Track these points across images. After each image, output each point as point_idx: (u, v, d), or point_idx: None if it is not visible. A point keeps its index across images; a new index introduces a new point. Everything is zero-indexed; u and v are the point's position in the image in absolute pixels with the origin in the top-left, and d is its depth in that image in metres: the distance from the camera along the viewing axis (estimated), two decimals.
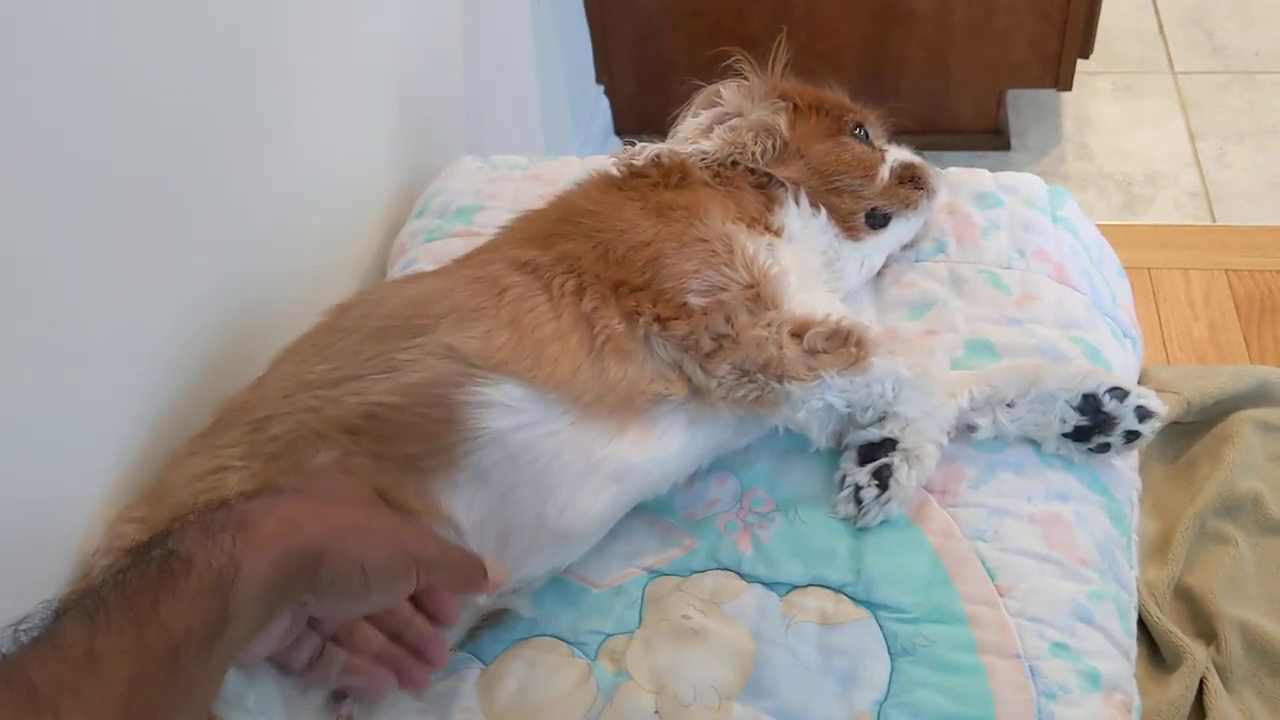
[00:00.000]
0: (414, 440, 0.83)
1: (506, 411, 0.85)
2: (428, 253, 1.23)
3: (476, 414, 0.84)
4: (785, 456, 0.99)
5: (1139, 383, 1.15)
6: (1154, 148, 2.33)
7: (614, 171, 1.09)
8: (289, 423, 0.83)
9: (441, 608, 0.81)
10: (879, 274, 1.16)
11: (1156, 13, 2.64)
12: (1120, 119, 2.41)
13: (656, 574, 0.93)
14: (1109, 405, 0.95)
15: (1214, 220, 2.16)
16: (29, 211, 0.78)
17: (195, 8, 0.96)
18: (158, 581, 0.60)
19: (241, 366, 0.96)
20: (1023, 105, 2.43)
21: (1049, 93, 2.39)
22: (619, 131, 2.41)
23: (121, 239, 0.88)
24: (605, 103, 2.38)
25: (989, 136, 2.35)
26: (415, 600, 0.80)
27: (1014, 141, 2.36)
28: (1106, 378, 0.96)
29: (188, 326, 0.98)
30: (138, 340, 0.92)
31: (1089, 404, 0.95)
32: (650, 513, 0.97)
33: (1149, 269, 2.04)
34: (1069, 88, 2.24)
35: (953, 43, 2.22)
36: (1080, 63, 2.24)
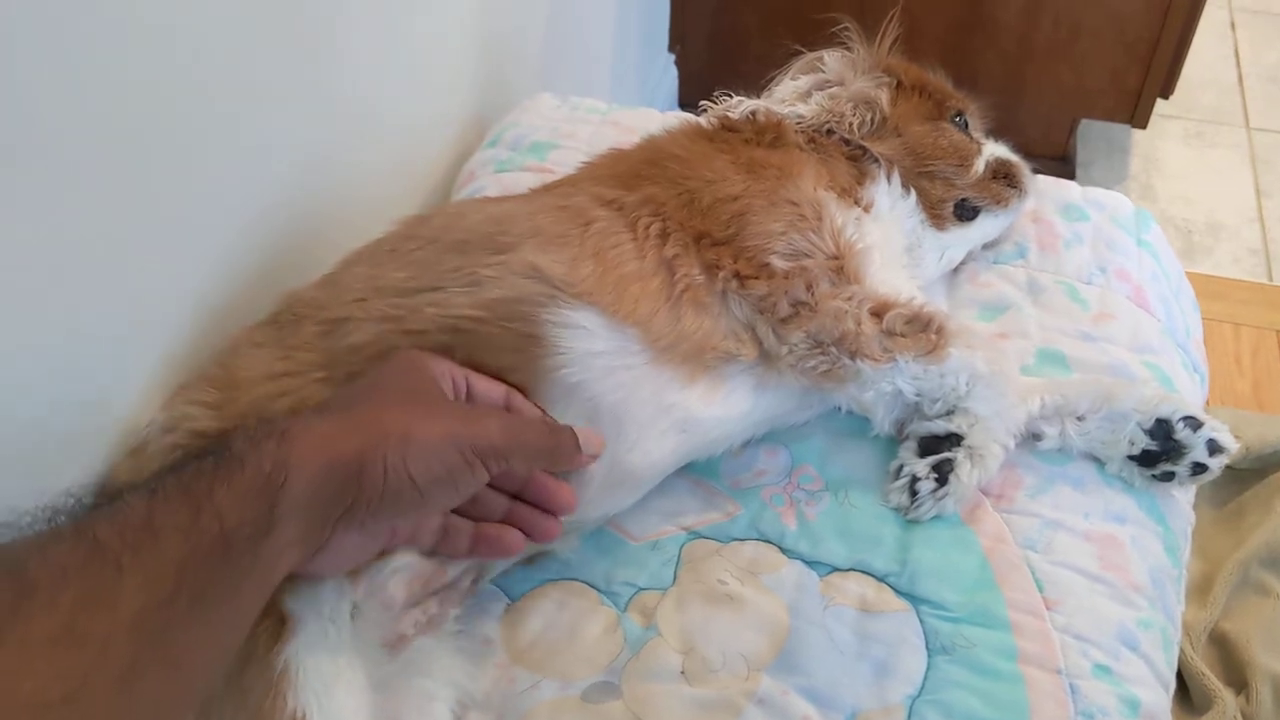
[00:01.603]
0: (500, 355, 0.81)
1: (588, 335, 0.82)
2: (496, 182, 1.20)
3: (560, 334, 0.81)
4: (841, 436, 0.96)
5: None
6: (1219, 199, 2.29)
7: (704, 123, 1.06)
8: (368, 332, 0.80)
9: (549, 496, 0.78)
10: (955, 270, 1.13)
11: (1238, 65, 2.61)
12: (1188, 165, 2.38)
13: (696, 535, 0.91)
14: (1181, 433, 0.92)
15: (1271, 280, 2.12)
16: (94, 90, 0.74)
17: None
18: (213, 473, 0.60)
19: (301, 258, 0.93)
20: (1092, 136, 2.39)
21: (1120, 128, 2.35)
22: (683, 103, 2.38)
23: (188, 128, 0.85)
24: (674, 72, 2.35)
25: (1055, 163, 2.31)
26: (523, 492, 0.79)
27: (1079, 172, 2.32)
28: (1182, 404, 0.93)
29: (250, 212, 0.95)
30: (196, 226, 0.88)
31: (1161, 429, 0.92)
32: (695, 474, 0.94)
33: (1201, 319, 2.01)
34: (1144, 125, 2.20)
35: (1032, 60, 2.18)
36: (1157, 104, 2.21)
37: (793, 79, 1.13)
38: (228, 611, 0.59)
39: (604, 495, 0.87)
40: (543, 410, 0.80)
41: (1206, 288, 2.07)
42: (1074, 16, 2.11)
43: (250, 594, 0.60)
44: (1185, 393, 1.05)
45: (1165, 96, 2.19)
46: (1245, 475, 1.19)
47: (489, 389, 0.78)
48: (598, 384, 0.82)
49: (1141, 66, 2.13)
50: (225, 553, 0.57)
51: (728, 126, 1.05)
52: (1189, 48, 2.11)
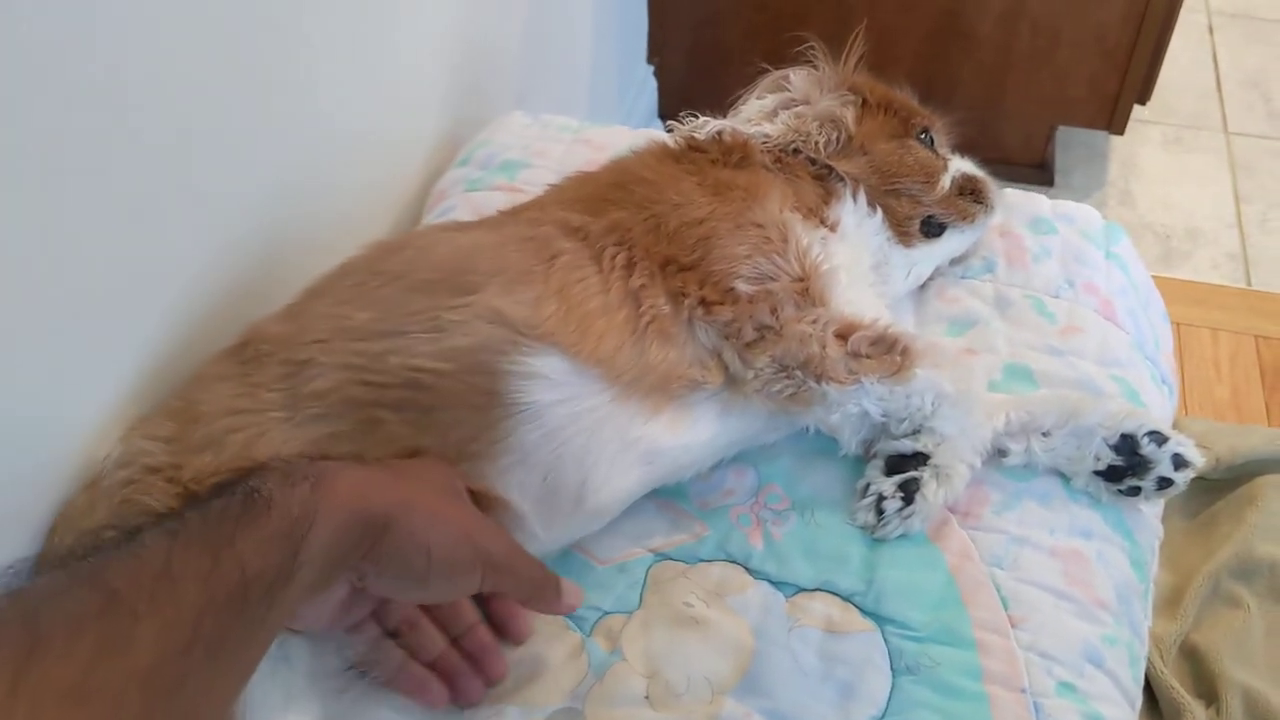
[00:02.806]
0: (458, 415, 0.80)
1: (549, 385, 0.82)
2: (467, 202, 1.20)
3: (520, 385, 0.81)
4: (808, 456, 0.97)
5: None
6: (1197, 204, 2.30)
7: (671, 143, 1.07)
8: (331, 379, 0.80)
9: (510, 619, 0.79)
10: (923, 285, 1.13)
11: (1216, 70, 2.62)
12: (1167, 171, 2.38)
13: (662, 557, 0.91)
14: (1146, 448, 0.93)
15: (1249, 285, 2.13)
16: (57, 101, 0.74)
17: None
18: (239, 514, 0.59)
19: (269, 284, 0.93)
20: (1071, 144, 2.40)
21: (1099, 134, 2.36)
22: (663, 115, 2.38)
23: (152, 151, 0.85)
24: (653, 84, 2.35)
25: (1034, 170, 2.32)
26: (486, 610, 0.79)
27: (1058, 179, 2.33)
28: (1147, 420, 0.93)
29: (216, 236, 0.95)
30: (159, 251, 0.88)
31: (1126, 444, 0.93)
32: (663, 496, 0.94)
33: (1178, 324, 2.02)
34: (1121, 132, 2.20)
35: (1010, 69, 2.19)
36: (1134, 109, 2.21)
37: (759, 98, 1.13)
38: (241, 659, 0.58)
39: (568, 530, 0.87)
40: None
41: (1185, 293, 2.09)
42: (1051, 25, 2.12)
43: (264, 640, 0.60)
44: (1153, 406, 1.05)
45: (1142, 103, 2.20)
46: (1217, 486, 1.19)
47: None
48: (559, 434, 0.82)
49: (1119, 73, 2.14)
50: (244, 601, 0.56)
51: (694, 147, 1.05)
52: (1165, 53, 2.12)
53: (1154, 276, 2.10)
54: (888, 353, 0.91)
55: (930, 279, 1.13)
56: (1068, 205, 1.21)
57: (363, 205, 1.18)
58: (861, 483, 0.93)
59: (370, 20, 1.13)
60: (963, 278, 1.14)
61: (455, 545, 0.68)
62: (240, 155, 0.95)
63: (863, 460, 0.95)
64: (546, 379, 0.82)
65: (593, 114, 2.04)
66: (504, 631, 0.79)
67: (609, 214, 0.94)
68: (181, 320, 0.90)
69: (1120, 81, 2.15)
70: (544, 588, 0.76)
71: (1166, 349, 1.17)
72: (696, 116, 1.07)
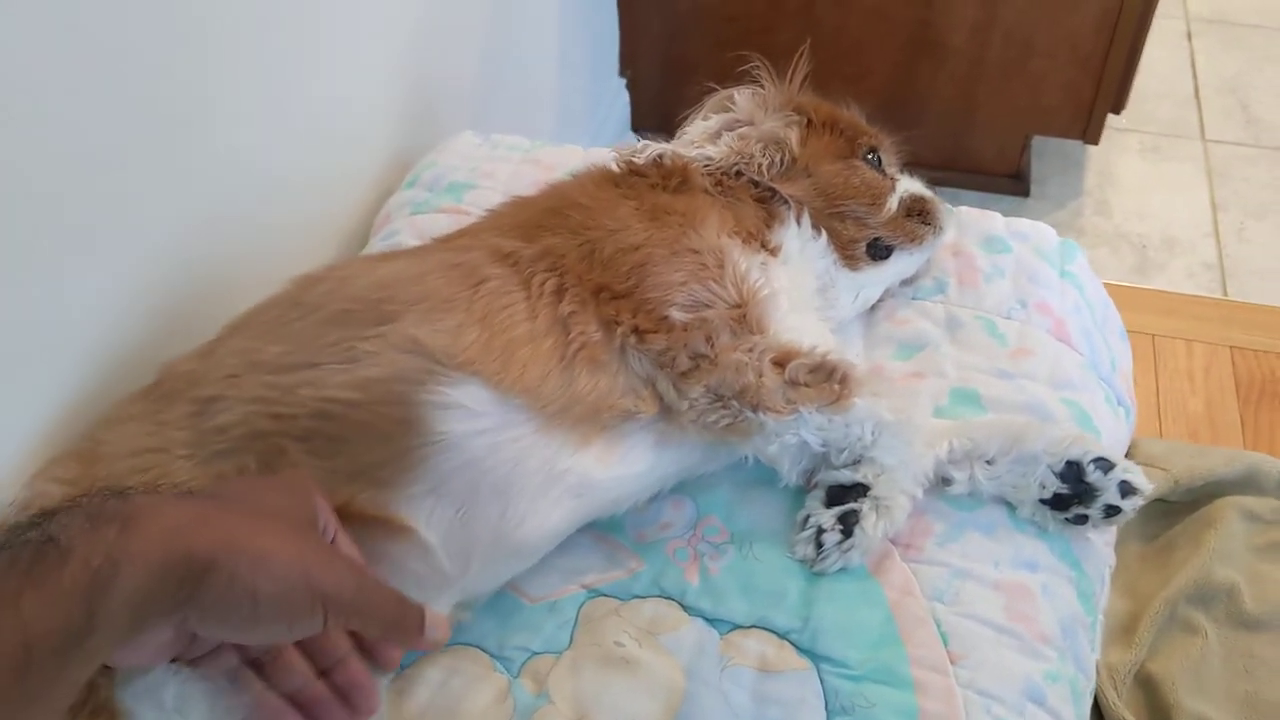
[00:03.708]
0: (369, 444, 0.78)
1: (468, 415, 0.80)
2: (411, 226, 1.18)
3: (436, 415, 0.79)
4: (748, 486, 0.94)
5: (1129, 454, 1.10)
6: (1174, 213, 2.28)
7: (613, 167, 1.05)
8: (238, 413, 0.78)
9: (378, 652, 0.73)
10: (873, 307, 1.11)
11: (1195, 77, 2.60)
12: (1144, 179, 2.36)
13: (595, 594, 0.89)
14: (1092, 475, 0.90)
15: (1225, 294, 2.11)
16: None
17: None
18: (28, 569, 0.54)
19: (198, 323, 0.91)
20: (1047, 153, 2.38)
21: (1074, 144, 2.33)
22: (636, 128, 2.36)
23: (80, 162, 0.83)
24: (625, 97, 2.33)
25: (1008, 180, 2.30)
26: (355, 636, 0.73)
27: (1033, 189, 2.31)
28: (1093, 446, 0.91)
29: (141, 269, 0.93)
30: (80, 283, 0.87)
31: (1072, 471, 0.91)
32: (599, 529, 0.92)
33: (1153, 335, 1.99)
34: (1096, 141, 2.19)
35: (983, 80, 2.17)
36: (1111, 118, 2.19)
37: (704, 119, 1.11)
38: (34, 715, 0.54)
39: (492, 571, 0.85)
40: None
41: (1159, 304, 2.06)
42: (1024, 34, 2.10)
43: (62, 694, 0.55)
44: (1106, 429, 1.03)
45: (1117, 111, 2.17)
46: (1176, 509, 1.17)
47: (349, 549, 0.73)
48: (478, 465, 0.80)
49: (1093, 81, 2.12)
50: (24, 666, 0.52)
51: (635, 171, 1.03)
52: (1139, 61, 2.10)
53: (1128, 286, 2.12)
54: (826, 381, 0.89)
55: (880, 300, 1.11)
56: (1022, 223, 1.19)
57: (303, 240, 1.16)
58: (802, 514, 0.91)
59: (298, 54, 1.11)
60: (913, 299, 1.12)
61: (287, 587, 0.62)
62: (153, 197, 0.93)
63: (804, 490, 0.93)
64: (465, 409, 0.80)
65: (561, 127, 2.02)
66: (372, 658, 0.74)
67: (542, 240, 0.92)
68: (99, 363, 0.88)
69: (1095, 90, 2.13)
70: (402, 624, 0.70)
71: (1124, 369, 1.15)
72: (640, 139, 1.05)
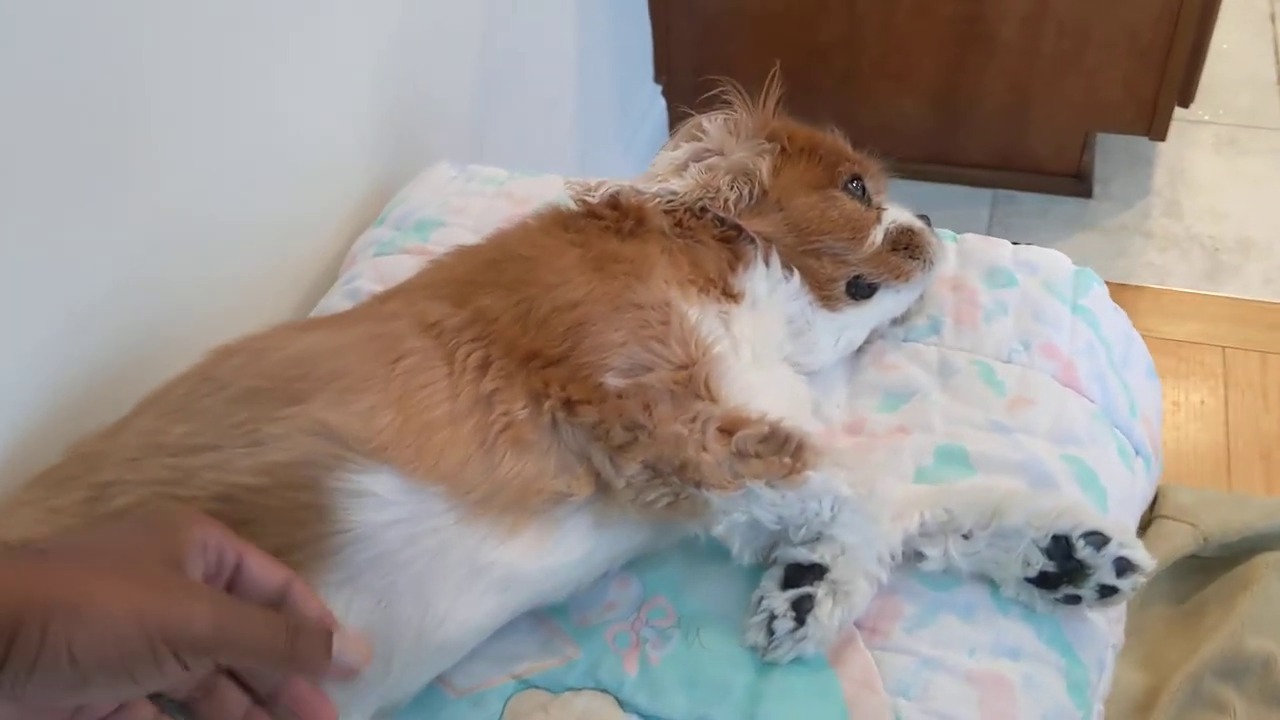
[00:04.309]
0: (279, 529, 0.72)
1: (380, 504, 0.73)
2: (374, 269, 1.11)
3: (347, 504, 0.72)
4: (701, 562, 0.86)
5: (1155, 504, 0.99)
6: (1252, 212, 2.12)
7: (569, 207, 0.97)
8: (134, 496, 0.72)
9: (302, 706, 0.65)
10: (860, 349, 1.02)
11: (1278, 62, 2.42)
12: (1219, 176, 2.21)
13: (526, 685, 0.81)
14: (1083, 552, 0.80)
15: None
16: None
17: None
18: None
19: (130, 396, 0.85)
20: (1112, 150, 2.23)
21: (1143, 139, 2.19)
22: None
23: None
24: (661, 104, 2.25)
25: (1069, 181, 2.16)
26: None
27: (1096, 189, 2.17)
28: (1084, 518, 0.81)
29: (75, 328, 0.88)
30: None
31: (1059, 547, 0.81)
32: (539, 611, 0.85)
33: (1223, 347, 1.86)
34: (1163, 137, 2.05)
35: (1038, 75, 2.05)
36: (1183, 110, 2.05)
37: (672, 149, 1.02)
38: None
39: (414, 673, 0.78)
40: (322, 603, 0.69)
41: (1233, 312, 1.92)
42: (1080, 26, 1.98)
43: None
44: (1116, 487, 0.92)
45: (1184, 104, 2.04)
46: (1210, 565, 1.05)
47: (266, 573, 0.66)
48: (394, 557, 0.73)
49: (1155, 75, 1.99)
50: None
51: (590, 213, 0.95)
52: (1207, 50, 1.96)
53: (1197, 293, 1.97)
54: (778, 452, 0.80)
55: (868, 341, 1.02)
56: (1032, 252, 1.08)
57: (264, 290, 1.10)
58: (756, 594, 0.82)
59: (252, 79, 1.05)
60: (905, 340, 1.02)
61: (114, 639, 0.56)
62: (76, 258, 0.88)
63: (763, 566, 0.84)
64: (377, 498, 0.73)
65: (588, 142, 1.95)
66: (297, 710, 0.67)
67: (475, 301, 0.85)
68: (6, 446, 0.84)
69: (1158, 83, 1.99)
70: (299, 655, 0.62)
71: (1148, 412, 1.04)
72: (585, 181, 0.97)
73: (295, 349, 0.81)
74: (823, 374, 0.99)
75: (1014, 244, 1.10)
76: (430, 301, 0.86)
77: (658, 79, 2.22)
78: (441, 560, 0.75)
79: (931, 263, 0.99)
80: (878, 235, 0.98)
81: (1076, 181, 2.17)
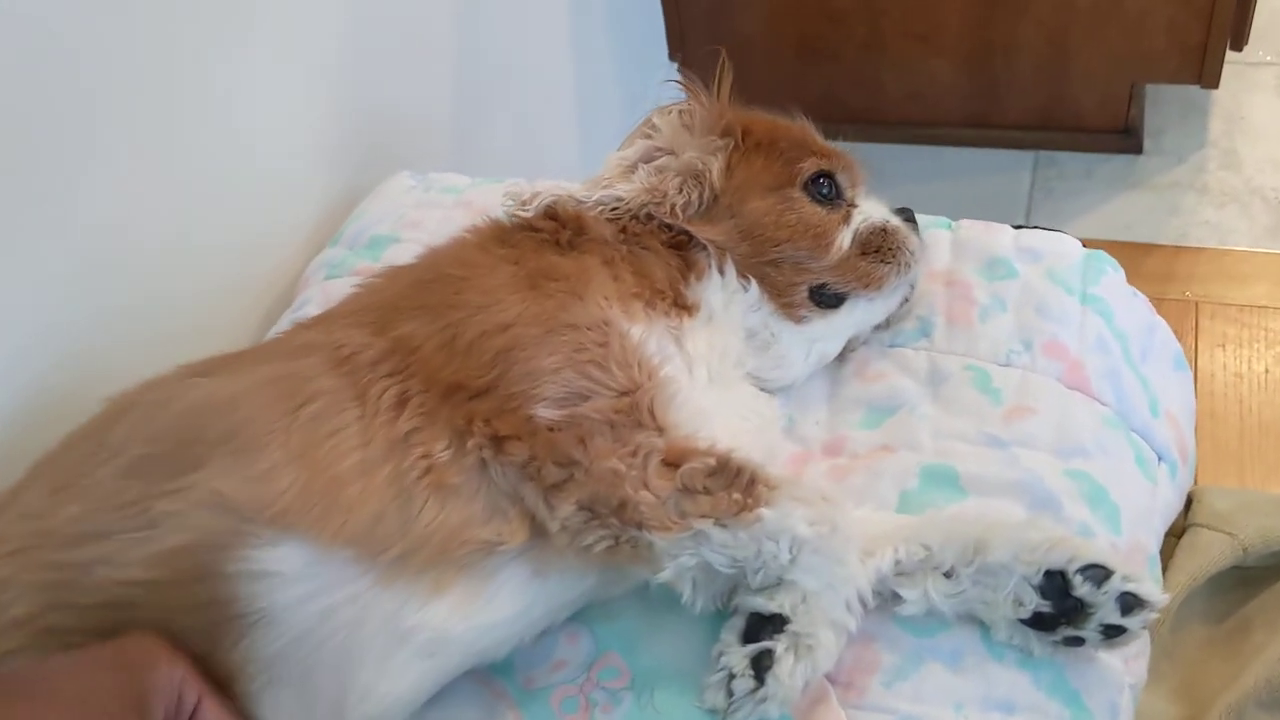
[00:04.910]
0: (186, 628, 0.66)
1: (284, 582, 0.66)
2: (323, 294, 1.04)
3: (249, 588, 0.66)
4: (657, 612, 0.78)
5: (1189, 509, 0.89)
6: None
7: (507, 220, 0.89)
8: (32, 603, 0.66)
9: None
10: (842, 355, 0.92)
11: None
12: None
13: None
14: (1081, 589, 0.71)
15: None
16: None
17: None
18: None
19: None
20: (1163, 100, 2.08)
21: (1195, 87, 2.04)
22: None
23: None
24: (673, 90, 2.15)
25: (1116, 137, 2.01)
26: None
27: (1147, 143, 2.02)
28: (1080, 550, 0.71)
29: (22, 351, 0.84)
30: None
31: (1054, 584, 0.71)
32: (483, 671, 0.77)
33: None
34: (1215, 85, 1.90)
35: (1075, 26, 1.91)
36: (1238, 54, 1.90)
37: (621, 150, 0.93)
38: None
39: None
40: None
41: None
42: None
43: None
44: (1131, 503, 0.82)
45: (1237, 48, 1.88)
46: (1253, 577, 0.94)
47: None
48: (308, 639, 0.67)
49: (1202, 19, 1.84)
50: None
51: (527, 225, 0.86)
52: None
53: (1261, 252, 1.82)
54: (728, 488, 0.71)
55: (849, 349, 0.92)
56: (1039, 237, 0.97)
57: (207, 315, 1.04)
58: (716, 649, 0.74)
59: (199, 90, 1.00)
60: (891, 346, 0.92)
61: None
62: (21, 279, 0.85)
63: (724, 615, 0.75)
64: (280, 575, 0.66)
65: (597, 127, 1.86)
66: None
67: (397, 328, 0.77)
68: None
69: (1205, 28, 1.84)
70: None
71: (1176, 410, 0.93)
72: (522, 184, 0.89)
73: (189, 401, 0.73)
74: (800, 388, 0.90)
75: (1017, 227, 0.99)
76: (349, 330, 0.78)
77: (672, 56, 2.12)
78: (359, 632, 0.68)
79: (908, 266, 0.89)
80: (845, 239, 0.88)
81: (1124, 137, 2.02)
